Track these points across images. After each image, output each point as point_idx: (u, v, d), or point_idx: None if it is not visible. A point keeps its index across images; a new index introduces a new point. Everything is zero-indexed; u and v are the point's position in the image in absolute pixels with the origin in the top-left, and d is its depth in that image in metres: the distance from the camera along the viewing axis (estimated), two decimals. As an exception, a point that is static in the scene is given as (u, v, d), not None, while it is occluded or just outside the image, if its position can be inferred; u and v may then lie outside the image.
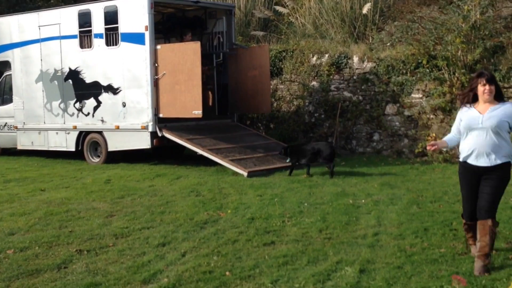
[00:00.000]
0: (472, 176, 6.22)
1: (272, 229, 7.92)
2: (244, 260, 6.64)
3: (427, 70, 13.64)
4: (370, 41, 16.33)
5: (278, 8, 19.15)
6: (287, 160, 12.37)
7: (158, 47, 13.65)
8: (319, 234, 7.63)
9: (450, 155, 13.22)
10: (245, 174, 12.05)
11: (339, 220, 8.24)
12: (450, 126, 13.00)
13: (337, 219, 8.30)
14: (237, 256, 6.81)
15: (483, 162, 6.13)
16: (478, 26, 13.07)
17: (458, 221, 7.93)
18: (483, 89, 6.11)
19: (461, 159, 6.34)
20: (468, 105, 6.26)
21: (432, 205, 9.08)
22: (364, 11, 16.41)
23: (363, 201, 9.46)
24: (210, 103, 15.16)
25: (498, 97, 6.20)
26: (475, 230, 6.27)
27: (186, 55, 13.09)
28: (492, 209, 6.13)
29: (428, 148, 6.56)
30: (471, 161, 6.20)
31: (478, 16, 13.06)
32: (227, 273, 6.22)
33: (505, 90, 12.53)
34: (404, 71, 14.24)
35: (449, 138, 6.56)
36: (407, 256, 6.56)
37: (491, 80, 6.15)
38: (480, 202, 6.15)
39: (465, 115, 6.26)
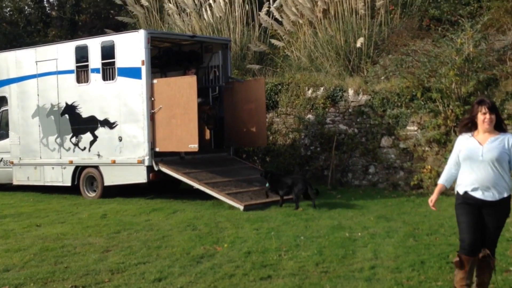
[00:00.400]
0: (473, 207, 5.89)
1: (269, 263, 7.89)
2: (241, 295, 6.61)
3: (422, 102, 13.74)
4: (365, 74, 16.47)
5: (273, 41, 19.33)
6: (267, 185, 12.57)
7: (155, 81, 13.74)
8: (315, 267, 7.60)
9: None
10: (242, 207, 12.04)
11: (336, 254, 8.22)
12: (446, 158, 13.16)
13: (333, 253, 8.28)
14: (234, 291, 6.78)
15: (488, 196, 5.85)
16: (471, 59, 13.22)
17: (454, 254, 7.92)
18: (483, 118, 5.86)
19: (460, 192, 6.01)
20: (467, 134, 5.99)
21: (429, 237, 9.08)
22: (358, 44, 16.57)
23: (359, 234, 9.45)
24: (207, 137, 15.18)
25: (499, 127, 5.93)
26: (472, 268, 5.97)
27: (182, 89, 13.18)
28: (496, 244, 6.02)
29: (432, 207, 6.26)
30: (474, 193, 5.90)
31: (471, 49, 13.21)
32: (224, 308, 6.19)
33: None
34: (399, 104, 14.34)
35: (445, 179, 6.21)
36: (404, 289, 6.55)
37: (492, 109, 5.89)
38: (487, 237, 5.91)
39: (464, 145, 5.97)
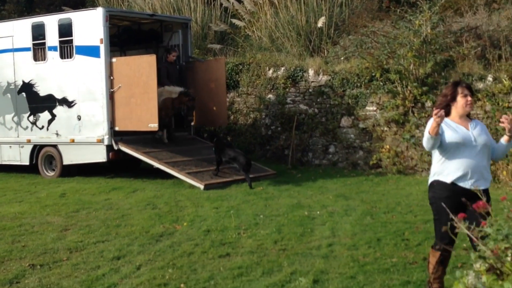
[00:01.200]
0: (459, 199, 4.92)
1: (228, 241, 7.96)
2: (199, 272, 6.67)
3: (381, 83, 13.91)
4: (325, 54, 16.56)
5: (234, 21, 19.27)
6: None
7: (114, 60, 13.59)
8: (274, 245, 7.70)
9: (404, 166, 13.48)
10: (202, 187, 12.06)
11: (294, 232, 8.33)
12: (404, 138, 13.43)
13: (292, 231, 8.39)
14: (192, 268, 6.84)
15: (481, 184, 5.37)
16: (429, 40, 13.39)
17: (410, 231, 8.13)
18: (464, 101, 5.49)
19: (447, 181, 5.45)
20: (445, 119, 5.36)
21: (385, 215, 9.26)
22: (319, 24, 16.64)
23: (318, 212, 9.58)
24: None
25: None
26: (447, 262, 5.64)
27: (142, 68, 13.07)
28: None
29: (435, 112, 5.24)
30: (463, 183, 5.39)
31: (429, 30, 13.38)
32: (182, 285, 6.25)
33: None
34: (359, 84, 14.47)
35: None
36: (360, 266, 6.69)
37: (471, 90, 5.57)
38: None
39: (451, 128, 5.47)
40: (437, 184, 5.53)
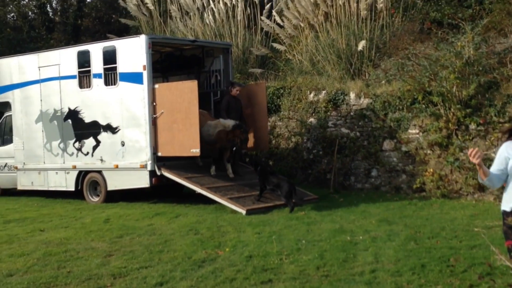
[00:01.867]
0: None
1: (270, 267, 7.93)
2: (242, 299, 6.66)
3: (423, 106, 13.77)
4: (367, 77, 16.51)
5: (275, 45, 19.39)
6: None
7: (156, 86, 13.81)
8: (316, 271, 7.64)
9: (448, 190, 13.27)
10: (244, 212, 12.08)
11: (337, 257, 8.25)
12: (447, 161, 13.25)
13: (334, 256, 8.31)
14: (235, 295, 6.82)
15: None
16: (471, 62, 13.22)
17: (455, 257, 7.96)
18: None
19: (507, 209, 5.34)
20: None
21: (430, 241, 9.09)
22: (360, 47, 16.62)
23: (360, 237, 9.47)
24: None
25: None
26: None
27: (184, 94, 13.24)
28: None
29: (471, 154, 5.14)
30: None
31: (471, 52, 13.22)
32: (224, 312, 6.23)
33: (500, 125, 12.64)
34: (401, 107, 14.36)
35: (492, 171, 5.36)
36: (404, 293, 6.58)
37: None
38: None
39: None
40: (503, 212, 5.39)
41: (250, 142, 14.87)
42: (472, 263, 7.58)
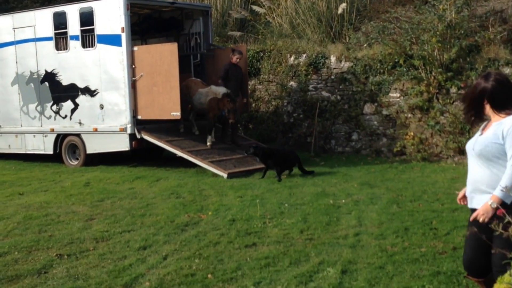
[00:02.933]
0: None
1: (253, 230, 7.92)
2: (226, 263, 6.64)
3: (404, 69, 13.74)
4: (347, 40, 16.40)
5: (254, 8, 19.13)
6: (257, 160, 12.34)
7: (135, 48, 13.58)
8: (300, 235, 7.64)
9: (428, 153, 13.33)
10: (225, 175, 12.04)
11: (320, 221, 8.26)
12: (428, 125, 13.29)
13: (318, 220, 8.33)
14: (219, 258, 6.80)
15: (475, 202, 4.51)
16: (453, 25, 13.18)
17: (437, 220, 8.03)
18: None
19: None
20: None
21: (412, 204, 9.15)
22: (340, 11, 16.48)
23: (343, 201, 9.50)
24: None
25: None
26: None
27: (164, 57, 13.04)
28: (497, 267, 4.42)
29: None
30: (468, 201, 4.64)
31: (453, 15, 13.17)
32: (209, 275, 6.21)
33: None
34: (382, 71, 14.32)
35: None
36: (389, 256, 6.61)
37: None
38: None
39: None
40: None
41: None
42: (454, 226, 7.64)
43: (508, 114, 4.42)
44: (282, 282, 5.94)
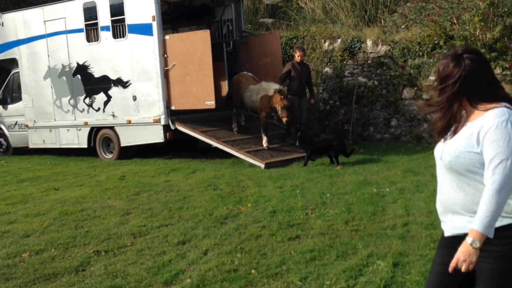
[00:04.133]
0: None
1: (296, 222, 7.59)
2: (270, 257, 6.33)
3: (445, 51, 13.21)
4: (383, 24, 15.93)
5: (286, -7, 18.80)
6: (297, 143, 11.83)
7: (167, 37, 13.32)
8: (345, 226, 7.30)
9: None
10: (263, 165, 11.72)
11: (365, 211, 7.90)
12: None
13: (362, 210, 7.96)
14: (262, 252, 6.50)
15: (449, 228, 3.32)
16: (496, 3, 12.63)
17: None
18: None
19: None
20: None
21: (460, 191, 8.71)
22: (374, -8, 16.06)
23: (387, 189, 9.12)
24: (224, 93, 14.76)
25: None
26: None
27: (196, 45, 12.75)
28: None
29: None
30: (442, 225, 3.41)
31: (495, -8, 12.63)
32: (253, 271, 5.91)
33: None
34: (421, 53, 13.84)
35: None
36: (442, 247, 6.22)
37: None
38: None
39: None
40: None
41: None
42: (509, 214, 7.21)
43: (487, 108, 3.12)
44: (330, 276, 5.60)
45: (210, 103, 12.65)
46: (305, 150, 11.79)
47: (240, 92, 13.30)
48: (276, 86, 12.62)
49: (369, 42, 14.90)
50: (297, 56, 13.38)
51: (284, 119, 12.54)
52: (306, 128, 12.45)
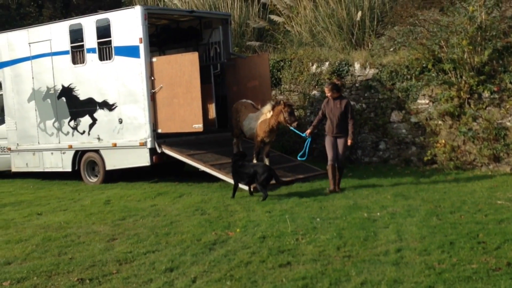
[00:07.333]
0: None
1: (286, 248, 7.41)
2: (261, 285, 6.15)
3: (433, 74, 13.18)
4: (370, 47, 15.90)
5: (273, 17, 18.77)
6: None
7: (154, 59, 13.18)
8: (337, 252, 7.12)
9: (461, 161, 12.77)
10: (251, 190, 11.50)
11: (357, 236, 7.73)
12: (460, 132, 12.71)
13: (354, 235, 7.79)
14: (252, 280, 6.31)
15: None
16: (484, 27, 12.63)
17: (484, 233, 7.47)
18: None
19: None
20: None
21: (453, 216, 8.59)
22: (357, 18, 16.04)
23: (378, 214, 8.96)
24: (210, 116, 14.61)
25: None
26: None
27: (184, 67, 12.62)
28: None
29: None
30: None
31: (483, 16, 12.62)
32: (244, 300, 5.71)
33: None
34: (409, 77, 13.79)
35: None
36: (437, 273, 6.07)
37: None
38: None
39: None
40: None
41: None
42: (504, 239, 7.08)
43: None
44: (323, 306, 5.42)
45: (198, 126, 12.50)
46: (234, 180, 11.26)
47: (238, 121, 13.09)
48: (268, 105, 12.39)
49: (357, 65, 14.85)
50: (327, 91, 11.59)
51: (294, 124, 12.08)
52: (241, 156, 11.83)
